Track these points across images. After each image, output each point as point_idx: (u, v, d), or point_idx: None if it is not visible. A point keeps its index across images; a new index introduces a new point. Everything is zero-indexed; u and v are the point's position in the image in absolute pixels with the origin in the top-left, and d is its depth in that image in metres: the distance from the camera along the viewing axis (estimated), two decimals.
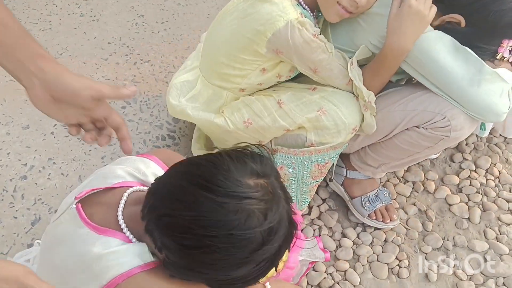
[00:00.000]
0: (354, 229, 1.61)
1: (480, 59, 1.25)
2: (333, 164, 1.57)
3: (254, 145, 0.87)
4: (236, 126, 1.44)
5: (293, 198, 1.49)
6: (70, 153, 1.70)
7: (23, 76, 0.83)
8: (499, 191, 1.73)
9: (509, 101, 1.29)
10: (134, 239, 0.89)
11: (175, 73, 1.61)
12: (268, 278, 1.02)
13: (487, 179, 1.77)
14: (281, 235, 0.79)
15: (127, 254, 0.86)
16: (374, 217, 1.58)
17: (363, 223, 1.61)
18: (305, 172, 1.47)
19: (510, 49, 1.26)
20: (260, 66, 1.37)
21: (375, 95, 1.37)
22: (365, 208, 1.58)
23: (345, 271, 1.50)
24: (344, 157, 1.62)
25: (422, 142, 1.36)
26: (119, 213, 0.90)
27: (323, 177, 1.52)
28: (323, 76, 1.36)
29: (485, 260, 1.56)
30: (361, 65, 1.38)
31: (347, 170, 1.62)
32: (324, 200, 1.68)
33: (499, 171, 1.79)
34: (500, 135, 1.89)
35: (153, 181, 0.88)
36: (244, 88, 1.45)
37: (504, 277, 1.51)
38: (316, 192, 1.66)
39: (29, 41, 0.82)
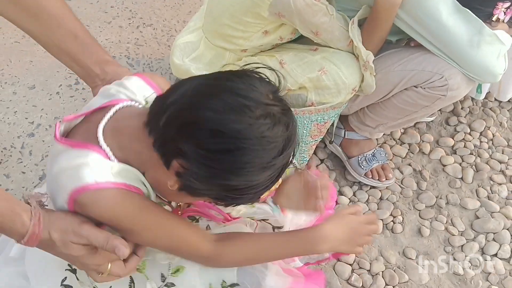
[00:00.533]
0: (351, 187, 1.67)
1: (480, 20, 1.29)
2: (333, 126, 1.62)
3: (267, 67, 0.86)
4: None
5: None
6: (75, 112, 1.74)
7: (88, 78, 0.98)
8: (492, 153, 1.79)
9: (505, 62, 1.33)
10: (113, 158, 0.83)
11: (178, 34, 1.65)
12: (269, 192, 1.08)
13: (481, 141, 1.82)
14: (292, 146, 0.83)
15: (102, 168, 0.82)
16: (370, 176, 1.63)
17: (359, 182, 1.67)
18: (304, 131, 1.51)
19: (504, 10, 1.29)
20: (262, 28, 1.41)
21: (375, 55, 1.40)
22: (362, 167, 1.63)
23: None
24: (342, 119, 1.66)
25: (420, 101, 1.41)
26: (100, 126, 0.84)
27: (322, 137, 1.57)
28: (325, 38, 1.39)
29: (477, 217, 1.62)
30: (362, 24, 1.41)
31: (345, 131, 1.66)
32: (322, 161, 1.73)
33: (493, 134, 1.85)
34: (495, 99, 1.93)
35: (157, 98, 0.84)
36: (246, 49, 1.48)
37: (494, 233, 1.58)
38: (315, 153, 1.71)
39: (96, 49, 0.97)
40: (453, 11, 1.27)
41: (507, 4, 1.30)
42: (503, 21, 1.33)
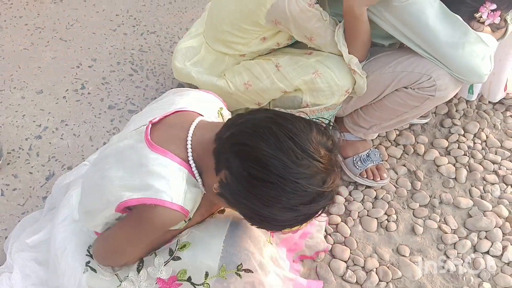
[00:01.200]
0: (347, 187, 1.72)
1: (466, 24, 1.34)
2: (329, 126, 1.67)
3: (330, 125, 1.01)
4: (237, 88, 1.55)
5: None
6: (81, 116, 1.81)
7: None
8: (485, 154, 1.83)
9: (490, 63, 1.38)
10: (192, 161, 1.00)
11: (181, 39, 1.72)
12: (291, 231, 1.21)
13: (474, 143, 1.86)
14: (324, 203, 0.93)
15: (179, 186, 0.98)
16: (365, 176, 1.68)
17: (355, 182, 1.71)
18: None
19: (489, 12, 1.34)
20: (260, 35, 1.47)
21: (366, 58, 1.46)
22: (357, 167, 1.68)
23: (336, 224, 1.61)
24: (337, 120, 1.71)
25: (410, 101, 1.46)
26: (190, 133, 1.02)
27: None
28: (318, 43, 1.45)
29: (469, 216, 1.66)
30: None
31: (340, 132, 1.72)
32: None
33: (486, 136, 1.89)
34: (489, 101, 1.98)
35: (236, 116, 1.00)
36: (245, 54, 1.55)
37: (486, 231, 1.61)
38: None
39: None
40: (440, 14, 1.32)
41: (493, 7, 1.35)
42: (483, 22, 1.37)
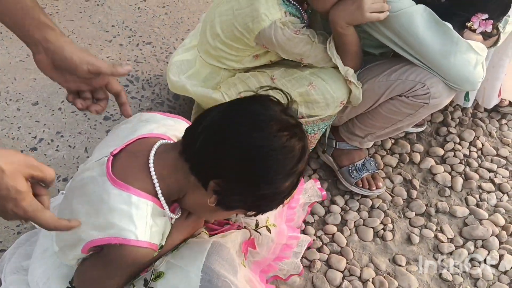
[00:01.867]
0: (343, 196, 1.72)
1: (457, 33, 1.35)
2: (325, 136, 1.68)
3: (278, 88, 1.02)
4: None
5: None
6: (76, 127, 1.81)
7: (30, 43, 0.93)
8: (481, 162, 1.83)
9: (482, 70, 1.39)
10: (159, 191, 0.97)
11: (175, 51, 1.72)
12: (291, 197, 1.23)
13: (470, 151, 1.86)
14: (307, 156, 0.96)
15: (144, 223, 0.95)
16: (361, 185, 1.68)
17: (351, 191, 1.71)
18: None
19: (480, 21, 1.35)
20: (252, 53, 1.49)
21: (357, 69, 1.47)
22: (352, 176, 1.68)
23: (333, 234, 1.61)
24: (333, 129, 1.72)
25: (404, 109, 1.46)
26: (150, 161, 0.98)
27: (313, 147, 1.63)
28: (309, 62, 1.46)
29: (466, 225, 1.66)
30: None
31: (336, 141, 1.72)
32: (314, 171, 1.78)
33: (482, 144, 1.89)
34: (484, 109, 1.98)
35: (190, 128, 0.98)
36: (239, 68, 1.56)
37: (483, 240, 1.61)
38: (308, 163, 1.77)
39: (38, 13, 0.91)
40: (430, 24, 1.33)
41: (485, 16, 1.35)
42: (474, 30, 1.38)
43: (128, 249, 0.93)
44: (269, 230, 1.24)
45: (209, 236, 1.16)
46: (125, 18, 2.25)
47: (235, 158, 0.90)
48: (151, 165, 0.98)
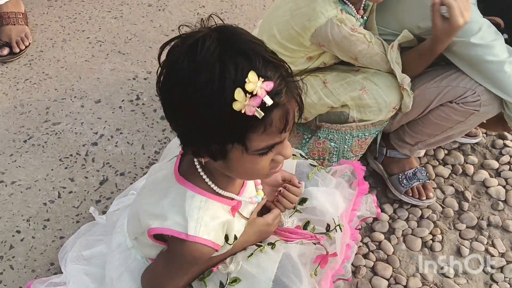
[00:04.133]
0: (391, 205, 1.70)
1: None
2: (376, 143, 1.68)
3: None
4: None
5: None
6: (135, 125, 1.90)
7: None
8: None
9: None
10: (210, 182, 0.97)
11: None
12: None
13: None
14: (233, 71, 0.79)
15: (189, 216, 0.94)
16: (411, 194, 1.67)
17: (400, 200, 1.70)
18: (345, 147, 1.58)
19: None
20: (306, 55, 1.51)
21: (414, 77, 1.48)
22: (402, 185, 1.67)
23: (379, 242, 1.60)
24: (384, 137, 1.71)
25: (455, 116, 1.45)
26: (195, 160, 0.98)
27: (363, 152, 1.63)
28: (364, 63, 1.48)
29: None
30: (405, 47, 1.48)
31: (386, 149, 1.71)
32: (364, 177, 1.77)
33: None
34: None
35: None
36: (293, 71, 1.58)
37: None
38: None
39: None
40: (485, 34, 1.33)
41: None
42: None
43: (184, 244, 0.94)
44: (340, 229, 1.24)
45: (285, 243, 1.16)
46: (185, 23, 2.33)
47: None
48: (196, 162, 0.98)
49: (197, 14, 2.39)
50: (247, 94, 0.76)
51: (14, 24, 2.16)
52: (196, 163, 0.97)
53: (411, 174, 1.68)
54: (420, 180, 1.68)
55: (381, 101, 1.49)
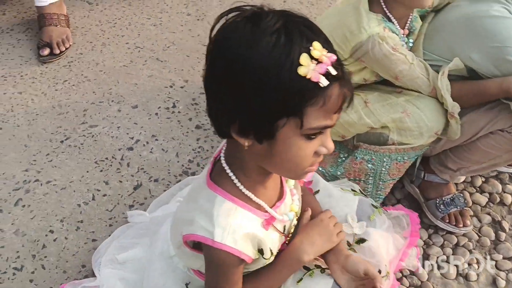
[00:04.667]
0: (426, 230, 1.67)
1: None
2: (414, 166, 1.65)
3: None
4: None
5: (368, 193, 1.59)
6: (170, 133, 1.90)
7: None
8: None
9: None
10: (241, 186, 0.93)
11: None
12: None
13: None
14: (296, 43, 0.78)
15: (231, 227, 0.91)
16: (447, 220, 1.63)
17: (435, 226, 1.67)
18: (383, 169, 1.56)
19: None
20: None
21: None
22: (439, 210, 1.64)
23: None
24: (423, 160, 1.69)
25: (505, 145, 1.43)
26: (222, 159, 0.95)
27: (400, 176, 1.61)
28: (404, 83, 1.46)
29: None
30: (450, 74, 1.46)
31: (425, 173, 1.69)
32: (398, 201, 1.76)
33: None
34: None
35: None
36: None
37: None
38: (391, 192, 1.74)
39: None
40: None
41: None
42: None
43: (212, 250, 0.91)
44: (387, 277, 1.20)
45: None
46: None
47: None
48: (224, 164, 0.94)
49: None
50: (313, 60, 0.75)
51: (56, 26, 2.19)
52: (225, 165, 0.93)
53: (449, 200, 1.65)
54: (458, 207, 1.65)
55: (423, 125, 1.46)
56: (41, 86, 2.04)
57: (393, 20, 1.44)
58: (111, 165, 1.78)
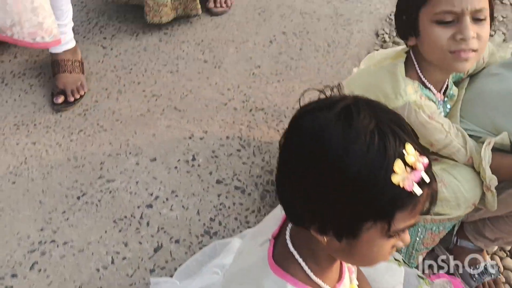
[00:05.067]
0: None
1: None
2: (452, 234, 1.60)
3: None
4: None
5: (400, 261, 1.54)
6: (190, 188, 1.84)
7: None
8: None
9: None
10: (312, 274, 0.89)
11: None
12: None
13: None
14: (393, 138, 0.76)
15: None
16: None
17: None
18: (417, 239, 1.51)
19: None
20: None
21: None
22: (474, 279, 1.58)
23: None
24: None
25: None
26: (289, 245, 0.91)
27: (435, 245, 1.56)
28: (439, 149, 1.42)
29: None
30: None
31: (457, 238, 1.64)
32: (429, 267, 1.70)
33: None
34: None
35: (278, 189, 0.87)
36: None
37: None
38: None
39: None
40: None
41: None
42: None
43: None
44: None
45: None
46: (240, 83, 2.31)
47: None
48: (291, 248, 0.90)
49: (252, 74, 2.37)
50: (407, 168, 0.72)
51: (71, 72, 2.14)
52: (291, 248, 0.89)
53: (483, 268, 1.59)
54: (492, 276, 1.59)
55: (460, 196, 1.41)
56: (56, 136, 1.98)
57: (429, 85, 1.41)
58: (130, 224, 1.70)
